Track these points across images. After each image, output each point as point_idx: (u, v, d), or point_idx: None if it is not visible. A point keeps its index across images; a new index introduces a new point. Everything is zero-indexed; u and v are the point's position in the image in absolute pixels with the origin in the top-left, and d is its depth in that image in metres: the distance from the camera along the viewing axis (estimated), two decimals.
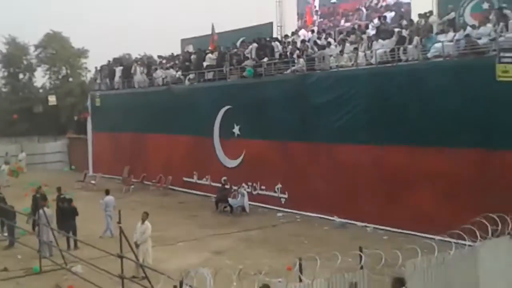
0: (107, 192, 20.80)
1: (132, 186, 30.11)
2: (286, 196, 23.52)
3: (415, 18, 22.48)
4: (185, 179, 29.13)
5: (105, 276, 13.71)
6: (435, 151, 17.90)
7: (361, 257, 10.00)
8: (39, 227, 17.63)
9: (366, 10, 30.44)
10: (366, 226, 19.76)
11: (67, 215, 19.00)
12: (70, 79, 50.18)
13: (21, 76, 51.06)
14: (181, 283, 9.38)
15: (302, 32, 28.50)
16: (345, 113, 20.95)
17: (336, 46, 23.16)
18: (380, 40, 20.94)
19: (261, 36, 28.01)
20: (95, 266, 14.17)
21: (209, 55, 29.06)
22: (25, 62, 50.69)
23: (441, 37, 19.11)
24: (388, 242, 17.33)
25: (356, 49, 21.56)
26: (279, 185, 23.74)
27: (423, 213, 17.90)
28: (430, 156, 18.02)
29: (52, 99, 42.50)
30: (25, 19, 61.33)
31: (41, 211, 17.71)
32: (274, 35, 31.35)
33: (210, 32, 33.04)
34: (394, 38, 20.53)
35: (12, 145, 41.87)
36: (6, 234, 19.73)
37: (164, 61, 34.26)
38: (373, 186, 19.81)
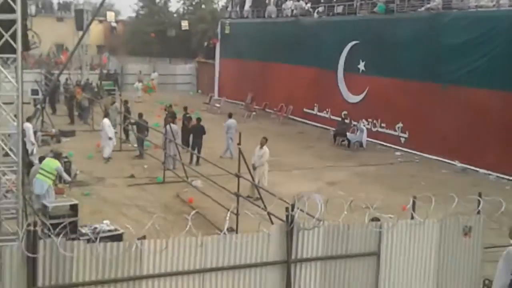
0: (230, 116, 21.51)
1: (254, 113, 30.80)
2: (406, 135, 23.05)
3: None
4: (305, 110, 29.34)
5: (222, 193, 14.36)
6: None
7: (479, 202, 9.71)
8: (165, 141, 18.73)
9: None
10: (488, 174, 19.00)
11: (195, 133, 19.97)
12: (203, 6, 51.38)
13: (157, 0, 52.99)
14: (293, 206, 9.66)
15: None
16: (481, 56, 19.86)
17: None
18: None
19: None
20: (214, 182, 14.87)
21: None
22: None
23: None
24: (511, 191, 16.61)
25: None
26: (400, 124, 23.25)
27: None
28: None
29: (184, 24, 43.83)
30: None
31: (167, 127, 18.75)
32: None
33: None
34: None
35: (146, 64, 43.99)
36: (136, 145, 21.18)
37: None
38: (501, 133, 18.88)
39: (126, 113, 22.84)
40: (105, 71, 40.29)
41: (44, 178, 13.25)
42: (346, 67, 26.63)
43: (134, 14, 55.03)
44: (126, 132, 22.84)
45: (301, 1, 31.47)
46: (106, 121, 20.34)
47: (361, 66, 25.59)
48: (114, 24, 52.35)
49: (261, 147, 15.93)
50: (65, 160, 16.24)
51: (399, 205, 13.62)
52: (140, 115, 21.35)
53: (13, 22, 10.14)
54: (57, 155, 14.24)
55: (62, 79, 31.86)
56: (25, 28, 10.94)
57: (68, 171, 15.91)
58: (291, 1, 32.25)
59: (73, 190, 15.52)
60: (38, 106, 22.87)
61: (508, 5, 19.61)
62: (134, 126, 21.67)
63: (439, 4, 22.03)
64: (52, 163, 13.51)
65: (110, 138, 19.92)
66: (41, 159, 14.16)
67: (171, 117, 20.52)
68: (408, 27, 23.04)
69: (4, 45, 10.16)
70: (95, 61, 43.98)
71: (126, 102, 24.13)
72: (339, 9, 27.82)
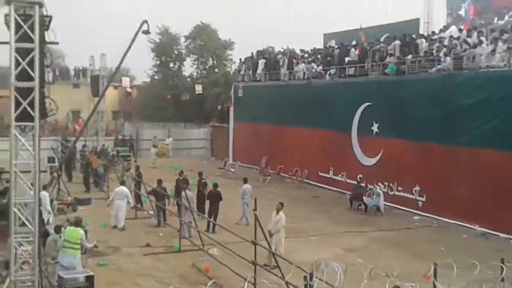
0: (245, 181, 21.47)
1: (269, 177, 30.78)
2: (423, 199, 22.79)
3: None
4: (320, 173, 29.27)
5: (239, 261, 14.20)
6: None
7: (502, 269, 9.49)
8: (180, 208, 18.66)
9: None
10: (510, 238, 18.61)
11: (212, 199, 19.91)
12: (216, 70, 52.32)
13: (171, 65, 54.14)
14: (311, 275, 9.49)
15: (452, 29, 27.27)
16: (493, 117, 19.85)
17: (487, 45, 21.89)
18: None
19: (406, 33, 27.22)
20: (230, 250, 14.71)
21: (352, 50, 28.81)
22: (175, 52, 53.69)
23: None
24: None
25: (509, 48, 20.26)
26: (417, 188, 23.04)
27: None
28: None
29: (198, 88, 44.53)
30: (177, 10, 64.99)
31: (183, 193, 18.74)
32: (420, 32, 30.34)
33: (352, 27, 32.87)
34: None
35: (160, 129, 44.46)
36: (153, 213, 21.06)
37: (306, 55, 34.55)
38: None
39: (138, 178, 22.97)
40: (120, 137, 40.77)
41: (73, 252, 12.99)
42: (360, 129, 26.71)
43: (148, 79, 56.13)
44: (139, 198, 22.85)
45: (312, 64, 31.94)
46: (124, 188, 20.38)
47: (375, 128, 25.65)
48: (130, 90, 53.39)
49: (277, 212, 15.80)
50: (82, 229, 16.16)
51: (419, 272, 13.34)
52: (159, 182, 21.21)
53: (31, 90, 10.36)
54: (77, 223, 14.12)
55: (79, 146, 32.29)
56: (43, 96, 11.13)
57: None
58: (303, 64, 32.75)
59: (89, 260, 15.39)
60: (55, 174, 23.02)
61: None
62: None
63: (450, 65, 22.21)
64: (76, 233, 13.31)
65: (128, 203, 20.06)
66: (57, 228, 14.05)
67: (184, 183, 20.54)
68: (420, 88, 23.19)
69: (22, 113, 10.34)
70: (111, 127, 44.59)
71: (137, 167, 24.33)
72: (351, 71, 28.14)
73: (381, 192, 23.41)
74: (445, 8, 35.45)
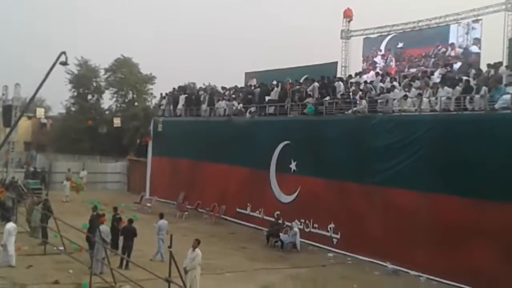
0: (161, 216, 21.05)
1: (186, 213, 30.41)
2: (338, 236, 23.20)
3: (484, 68, 22.08)
4: (238, 210, 29.25)
5: None
6: (498, 206, 17.23)
7: None
8: (93, 244, 18.00)
9: (433, 57, 30.23)
10: (419, 276, 19.16)
11: (126, 235, 19.33)
12: (136, 104, 51.77)
13: (89, 97, 53.06)
14: None
15: (370, 74, 28.45)
16: (405, 158, 20.60)
17: (400, 90, 22.94)
18: (446, 88, 20.63)
19: (324, 75, 28.10)
20: (143, 287, 14.32)
21: (273, 89, 29.35)
22: (94, 84, 52.73)
23: (510, 89, 18.65)
24: None
25: (420, 94, 21.31)
26: (332, 225, 23.45)
27: (480, 267, 17.28)
28: (493, 210, 17.38)
29: (117, 121, 43.79)
30: (98, 43, 64.18)
31: (98, 228, 18.11)
32: (338, 75, 31.44)
33: (273, 67, 33.57)
34: (460, 87, 20.22)
35: (75, 162, 43.11)
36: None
37: (227, 93, 34.85)
38: (429, 235, 19.23)
39: (47, 211, 22.09)
40: (31, 169, 39.14)
41: None
42: (278, 167, 27.02)
43: (64, 110, 54.64)
44: (44, 232, 21.90)
45: (233, 101, 32.22)
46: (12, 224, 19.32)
47: (293, 166, 26.02)
48: (44, 121, 51.72)
49: (194, 249, 15.55)
50: None
51: None
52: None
53: None
54: None
55: None
56: None
57: None
58: (224, 101, 32.97)
59: None
60: None
61: (429, 110, 20.67)
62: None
63: (365, 107, 23.02)
64: None
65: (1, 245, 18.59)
66: None
67: (98, 218, 19.86)
68: (337, 129, 23.82)
69: None
70: (22, 158, 42.82)
71: (46, 200, 23.50)
72: (271, 109, 28.57)
73: (297, 229, 23.64)
74: (361, 54, 37.11)
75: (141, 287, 14.55)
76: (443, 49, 30.52)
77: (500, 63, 21.50)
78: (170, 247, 12.98)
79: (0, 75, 51.59)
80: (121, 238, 19.69)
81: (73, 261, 18.76)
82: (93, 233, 18.43)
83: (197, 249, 15.50)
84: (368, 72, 30.20)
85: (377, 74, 28.25)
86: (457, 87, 20.32)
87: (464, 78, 20.94)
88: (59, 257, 19.86)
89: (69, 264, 18.84)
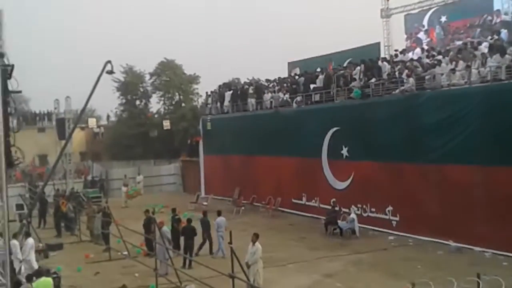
0: (219, 213, 21.32)
1: (243, 208, 30.65)
2: (397, 218, 22.95)
3: None
4: (294, 200, 29.28)
5: None
6: None
7: (478, 283, 9.56)
8: (155, 246, 18.39)
9: (479, 27, 29.37)
10: (484, 251, 18.80)
11: (186, 234, 19.70)
12: (183, 104, 52.30)
13: (137, 102, 53.95)
14: None
15: (416, 50, 27.90)
16: (458, 133, 20.23)
17: (447, 64, 22.43)
18: (494, 56, 20.05)
19: (367, 57, 27.74)
20: (208, 285, 14.53)
21: (318, 77, 29.17)
22: (141, 90, 53.55)
23: None
24: (509, 268, 16.43)
25: (468, 66, 20.79)
26: (390, 208, 23.21)
27: None
28: None
29: (166, 124, 44.38)
30: (141, 48, 65.18)
31: (158, 231, 18.49)
32: (381, 55, 30.97)
33: (315, 55, 33.36)
34: (510, 54, 19.60)
35: (130, 168, 43.99)
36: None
37: (271, 85, 34.85)
38: (490, 209, 18.85)
39: (107, 218, 22.73)
40: (89, 178, 40.22)
41: None
42: (330, 154, 26.89)
43: (115, 118, 55.78)
44: (106, 239, 22.52)
45: (279, 93, 32.22)
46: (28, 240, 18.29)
47: (344, 151, 25.86)
48: (97, 130, 52.92)
49: (253, 243, 15.69)
50: (54, 276, 15.82)
51: None
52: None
53: None
54: (46, 273, 13.78)
55: (48, 190, 31.76)
56: (8, 145, 10.92)
57: (58, 287, 15.53)
58: (270, 93, 33.00)
59: None
60: (24, 221, 22.53)
61: (479, 81, 20.16)
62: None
63: (413, 86, 22.63)
64: (47, 283, 12.96)
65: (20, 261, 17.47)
66: (29, 277, 13.71)
67: (154, 221, 20.16)
68: (385, 110, 23.54)
69: None
70: (79, 168, 44.03)
71: (104, 208, 24.16)
72: (317, 97, 28.44)
73: (355, 215, 23.51)
74: (404, 32, 36.44)
75: (206, 285, 14.75)
76: (489, 18, 29.60)
77: None
78: (230, 243, 13.13)
79: (50, 89, 52.93)
80: (181, 239, 20.09)
81: (138, 265, 19.27)
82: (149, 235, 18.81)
83: (256, 243, 15.62)
84: (413, 49, 29.61)
85: (422, 50, 27.70)
86: (507, 55, 19.71)
87: None
88: (124, 262, 20.41)
89: (134, 268, 19.34)
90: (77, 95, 31.34)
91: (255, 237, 15.74)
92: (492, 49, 21.10)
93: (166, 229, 19.46)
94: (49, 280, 13.10)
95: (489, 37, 24.13)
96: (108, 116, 57.98)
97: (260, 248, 15.58)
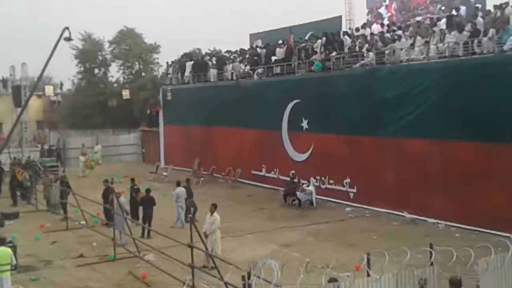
0: (178, 184, 21.29)
1: (202, 179, 30.68)
2: (354, 190, 23.37)
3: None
4: (253, 172, 29.45)
5: (176, 265, 14.12)
6: (510, 147, 17.28)
7: (431, 253, 9.86)
8: (111, 216, 18.31)
9: (438, 4, 29.70)
10: (437, 223, 19.36)
11: (145, 205, 19.64)
12: (143, 74, 51.60)
13: (96, 71, 52.96)
14: (249, 274, 9.56)
15: (374, 26, 28.09)
16: (416, 107, 20.57)
17: (406, 39, 22.69)
18: (453, 33, 20.39)
19: (329, 30, 27.80)
20: (167, 255, 14.60)
21: (278, 49, 29.13)
22: (100, 58, 52.52)
23: None
24: (460, 239, 16.93)
25: (427, 42, 21.09)
26: (348, 180, 23.60)
27: (497, 210, 17.39)
28: (505, 152, 17.45)
29: (125, 93, 43.83)
30: (100, 16, 63.77)
31: (115, 200, 18.39)
32: (343, 29, 31.07)
33: (277, 27, 33.25)
34: (467, 31, 19.95)
35: (88, 137, 43.42)
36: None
37: (232, 56, 34.66)
38: (444, 182, 19.37)
39: (65, 188, 22.50)
40: (46, 147, 39.50)
41: (6, 273, 12.43)
42: (290, 126, 27.06)
43: (73, 86, 54.72)
44: (64, 208, 22.29)
45: (240, 64, 32.08)
46: None
47: (304, 124, 26.05)
48: (55, 98, 51.85)
49: (211, 214, 15.76)
50: (10, 245, 15.59)
51: (354, 262, 13.72)
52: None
53: None
54: (1, 242, 13.51)
55: (5, 158, 31.18)
56: None
57: (13, 255, 15.32)
58: (231, 65, 32.83)
59: (20, 276, 14.88)
60: None
61: (437, 57, 20.50)
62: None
63: (373, 60, 22.86)
64: (6, 253, 12.69)
65: None
66: None
67: (113, 191, 20.02)
68: (345, 84, 23.74)
69: None
70: (35, 137, 43.19)
71: (63, 177, 23.91)
72: (278, 69, 28.44)
73: (313, 186, 23.81)
74: (365, 6, 36.54)
75: (164, 254, 14.81)
76: None
77: (507, 4, 21.12)
78: (189, 213, 13.15)
79: (6, 55, 51.41)
80: (140, 209, 20.03)
81: (96, 234, 19.15)
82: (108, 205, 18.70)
83: (215, 213, 15.68)
84: (374, 24, 29.80)
85: (382, 25, 27.90)
86: (464, 32, 20.05)
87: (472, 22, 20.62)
88: (82, 232, 20.24)
89: (92, 238, 19.21)
90: (33, 61, 30.64)
91: (213, 207, 15.79)
92: (451, 25, 21.44)
93: (123, 199, 19.30)
94: (7, 250, 12.85)
95: (448, 14, 24.45)
96: (61, 84, 56.71)
97: (218, 218, 15.65)
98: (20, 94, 33.80)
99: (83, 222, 20.81)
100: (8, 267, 12.58)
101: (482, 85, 18.18)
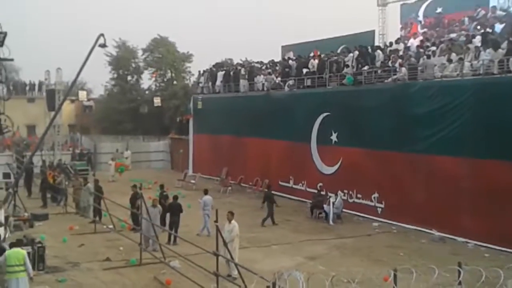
0: (206, 192, 21.39)
1: (230, 188, 30.76)
2: (382, 205, 23.14)
3: None
4: (281, 183, 29.37)
5: (201, 273, 14.16)
6: None
7: (459, 272, 9.71)
8: (141, 221, 18.44)
9: (474, 21, 29.40)
10: (466, 242, 19.05)
11: (172, 211, 19.75)
12: (175, 82, 52.14)
13: (129, 78, 53.69)
14: (274, 285, 9.54)
15: (410, 41, 27.91)
16: (448, 125, 20.32)
17: (440, 56, 22.48)
18: (488, 50, 20.13)
19: (362, 44, 27.72)
20: (192, 262, 14.65)
21: (312, 61, 29.13)
22: (133, 65, 53.28)
23: None
24: (490, 259, 16.66)
25: (461, 59, 20.87)
26: (376, 194, 23.39)
27: None
28: None
29: (157, 101, 44.23)
30: (135, 24, 64.72)
31: (145, 207, 18.50)
32: (376, 44, 30.96)
33: (310, 40, 33.24)
34: (503, 49, 19.68)
35: (119, 143, 43.91)
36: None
37: (264, 67, 34.79)
38: (475, 201, 19.06)
39: (98, 192, 22.71)
40: (77, 151, 40.09)
41: (18, 275, 12.61)
42: (319, 139, 26.98)
43: (105, 92, 55.55)
44: (98, 212, 22.54)
45: (271, 76, 32.17)
46: None
47: (334, 137, 25.95)
48: (88, 103, 52.62)
49: (229, 222, 15.75)
50: (39, 245, 15.89)
51: (380, 278, 13.58)
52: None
53: None
54: (18, 244, 13.65)
55: (36, 160, 31.70)
56: None
57: (42, 256, 15.61)
58: (262, 76, 32.94)
59: (47, 276, 15.11)
60: (10, 190, 22.48)
61: (471, 74, 20.26)
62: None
63: (405, 75, 22.69)
64: (19, 255, 12.83)
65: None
66: (12, 245, 13.62)
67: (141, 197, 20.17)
68: (376, 98, 23.59)
69: None
70: (68, 141, 43.91)
71: (97, 181, 24.12)
72: (309, 82, 28.44)
73: (341, 200, 23.64)
74: (399, 21, 36.40)
75: (189, 261, 14.86)
76: (483, 12, 29.62)
77: None
78: (216, 221, 13.20)
79: (42, 60, 52.50)
80: (168, 215, 20.15)
81: (123, 239, 19.32)
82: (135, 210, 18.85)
83: (233, 221, 15.70)
84: (407, 39, 29.62)
85: (418, 41, 27.67)
86: (500, 50, 19.79)
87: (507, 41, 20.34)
88: (109, 235, 20.48)
89: (120, 242, 19.41)
90: (68, 67, 31.15)
91: (231, 215, 15.80)
92: (486, 42, 21.17)
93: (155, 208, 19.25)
94: (20, 252, 12.98)
95: (483, 31, 24.17)
96: (89, 90, 57.53)
97: (237, 226, 15.66)
98: (54, 98, 34.33)
99: (111, 226, 21.04)
100: (22, 267, 12.72)
101: None
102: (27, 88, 53.06)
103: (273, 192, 24.37)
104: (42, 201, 26.74)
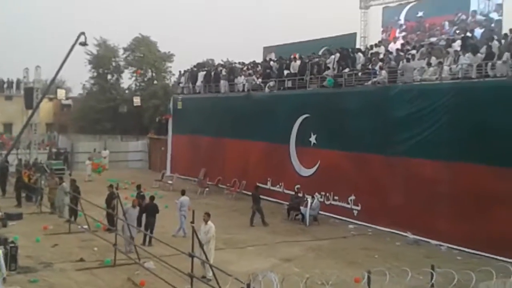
0: (183, 193, 21.23)
1: (207, 189, 30.61)
2: (359, 208, 23.19)
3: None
4: (258, 184, 29.26)
5: (176, 274, 14.01)
6: None
7: (432, 275, 9.74)
8: (116, 222, 18.21)
9: (454, 25, 29.70)
10: (440, 245, 19.14)
11: (149, 212, 19.53)
12: (155, 82, 51.88)
13: (109, 77, 53.31)
14: (248, 286, 9.48)
15: (390, 44, 28.06)
16: (426, 128, 20.41)
17: (420, 59, 22.60)
18: (467, 55, 20.28)
19: (343, 46, 27.78)
20: (167, 263, 14.49)
21: (293, 63, 29.10)
22: (113, 64, 52.90)
23: None
24: (462, 262, 16.74)
25: (441, 63, 20.99)
26: (353, 197, 23.43)
27: (501, 235, 17.19)
28: None
29: (136, 100, 43.99)
30: (116, 22, 64.31)
31: (121, 207, 18.29)
32: (357, 46, 31.05)
33: (292, 41, 33.21)
34: (482, 53, 19.83)
35: (96, 142, 43.53)
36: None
37: (246, 68, 34.72)
38: (450, 204, 19.16)
39: (75, 193, 22.38)
40: (54, 150, 39.63)
41: None
42: (298, 141, 26.96)
43: (84, 91, 55.10)
44: (74, 212, 22.23)
45: (252, 76, 32.10)
46: None
47: (313, 139, 25.95)
48: (67, 102, 52.18)
49: (206, 223, 15.60)
50: (12, 245, 15.60)
51: (355, 278, 13.59)
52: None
53: None
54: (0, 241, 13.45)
55: (13, 159, 31.34)
56: None
57: (14, 256, 15.32)
58: (243, 77, 32.86)
59: (19, 277, 14.84)
60: None
61: (450, 78, 20.36)
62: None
63: (385, 78, 22.77)
64: None
65: None
66: None
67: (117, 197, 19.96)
68: (356, 101, 23.63)
69: None
70: (45, 140, 43.41)
71: (74, 181, 23.77)
72: (290, 83, 28.41)
73: (318, 202, 23.64)
74: (380, 25, 36.59)
75: (164, 262, 14.71)
76: (463, 17, 29.93)
77: None
78: (192, 222, 13.10)
79: (20, 58, 51.95)
80: (143, 216, 19.92)
81: (98, 239, 19.05)
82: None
83: (209, 222, 15.54)
84: (388, 43, 29.77)
85: (398, 44, 27.82)
86: (479, 54, 19.94)
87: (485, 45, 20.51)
88: (84, 236, 20.16)
89: (94, 242, 19.10)
90: (48, 64, 30.86)
91: (206, 216, 15.65)
92: (465, 47, 21.34)
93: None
94: None
95: (463, 35, 24.38)
96: (68, 89, 57.10)
97: (213, 227, 15.51)
98: (32, 96, 33.87)
99: (86, 226, 20.76)
100: None
101: (494, 108, 18.02)
102: (5, 85, 52.43)
103: (248, 193, 24.21)
104: (17, 201, 26.29)
